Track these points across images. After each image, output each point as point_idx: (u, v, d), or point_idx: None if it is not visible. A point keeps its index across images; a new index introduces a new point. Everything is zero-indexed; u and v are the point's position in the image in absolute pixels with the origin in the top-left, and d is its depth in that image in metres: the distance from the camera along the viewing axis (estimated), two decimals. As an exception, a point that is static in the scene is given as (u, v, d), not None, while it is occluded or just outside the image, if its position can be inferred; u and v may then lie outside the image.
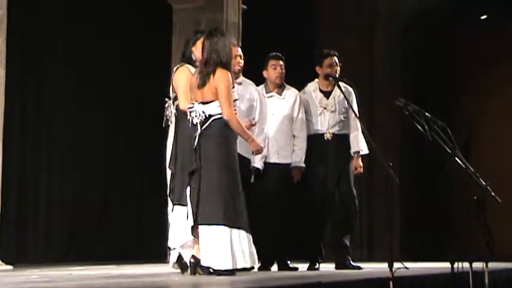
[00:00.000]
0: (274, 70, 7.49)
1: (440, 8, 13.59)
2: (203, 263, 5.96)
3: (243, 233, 6.00)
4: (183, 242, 6.22)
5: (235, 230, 5.97)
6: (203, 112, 6.09)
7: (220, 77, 6.07)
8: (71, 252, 10.08)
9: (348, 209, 7.55)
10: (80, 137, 10.27)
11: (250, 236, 6.05)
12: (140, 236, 10.73)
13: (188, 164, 6.13)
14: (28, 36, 9.69)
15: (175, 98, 6.48)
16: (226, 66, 6.12)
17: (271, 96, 7.51)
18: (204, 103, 6.10)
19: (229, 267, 5.90)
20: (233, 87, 6.25)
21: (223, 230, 5.93)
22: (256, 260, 6.13)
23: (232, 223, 5.95)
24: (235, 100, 6.29)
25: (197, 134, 6.06)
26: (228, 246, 5.90)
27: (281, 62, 7.51)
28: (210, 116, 6.08)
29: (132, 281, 5.44)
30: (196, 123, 6.08)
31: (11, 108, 8.36)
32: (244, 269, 5.97)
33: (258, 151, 6.30)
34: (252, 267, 6.09)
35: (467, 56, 14.12)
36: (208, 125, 6.07)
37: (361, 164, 7.63)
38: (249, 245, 6.02)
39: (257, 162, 7.27)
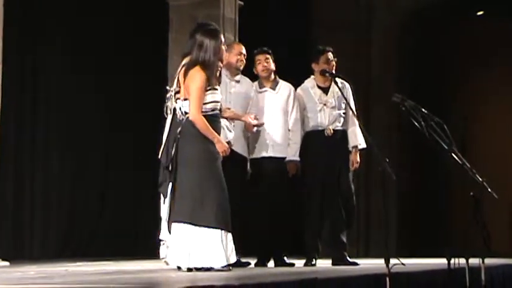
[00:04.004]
0: (259, 65, 7.49)
1: (437, 4, 13.59)
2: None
3: (211, 231, 5.92)
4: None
5: (201, 228, 5.91)
6: (180, 109, 6.12)
7: (193, 76, 6.03)
8: (67, 249, 10.08)
9: (346, 205, 7.55)
10: (77, 134, 10.26)
11: (223, 233, 5.94)
12: (137, 232, 10.72)
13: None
14: (25, 33, 9.68)
15: (178, 92, 6.44)
16: (208, 66, 6.06)
17: (264, 91, 7.50)
18: (184, 99, 6.12)
19: (187, 265, 5.89)
20: (211, 87, 6.07)
21: (189, 228, 5.92)
22: (224, 261, 5.92)
23: (195, 221, 5.90)
24: (215, 102, 6.12)
25: (178, 131, 6.07)
26: (189, 245, 5.88)
27: (267, 56, 7.47)
28: (186, 113, 6.09)
29: (129, 277, 5.43)
30: (180, 119, 6.12)
31: (8, 101, 8.34)
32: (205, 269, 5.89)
33: (224, 152, 6.20)
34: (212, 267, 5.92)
35: (464, 53, 14.13)
36: (184, 123, 6.08)
37: (359, 159, 7.62)
38: (216, 244, 5.90)
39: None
